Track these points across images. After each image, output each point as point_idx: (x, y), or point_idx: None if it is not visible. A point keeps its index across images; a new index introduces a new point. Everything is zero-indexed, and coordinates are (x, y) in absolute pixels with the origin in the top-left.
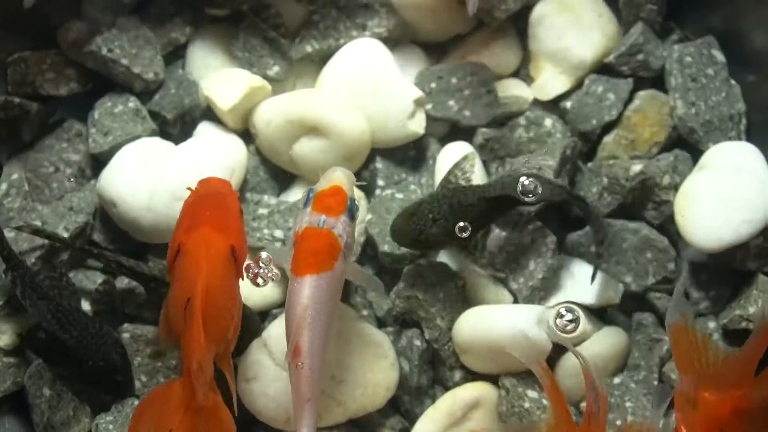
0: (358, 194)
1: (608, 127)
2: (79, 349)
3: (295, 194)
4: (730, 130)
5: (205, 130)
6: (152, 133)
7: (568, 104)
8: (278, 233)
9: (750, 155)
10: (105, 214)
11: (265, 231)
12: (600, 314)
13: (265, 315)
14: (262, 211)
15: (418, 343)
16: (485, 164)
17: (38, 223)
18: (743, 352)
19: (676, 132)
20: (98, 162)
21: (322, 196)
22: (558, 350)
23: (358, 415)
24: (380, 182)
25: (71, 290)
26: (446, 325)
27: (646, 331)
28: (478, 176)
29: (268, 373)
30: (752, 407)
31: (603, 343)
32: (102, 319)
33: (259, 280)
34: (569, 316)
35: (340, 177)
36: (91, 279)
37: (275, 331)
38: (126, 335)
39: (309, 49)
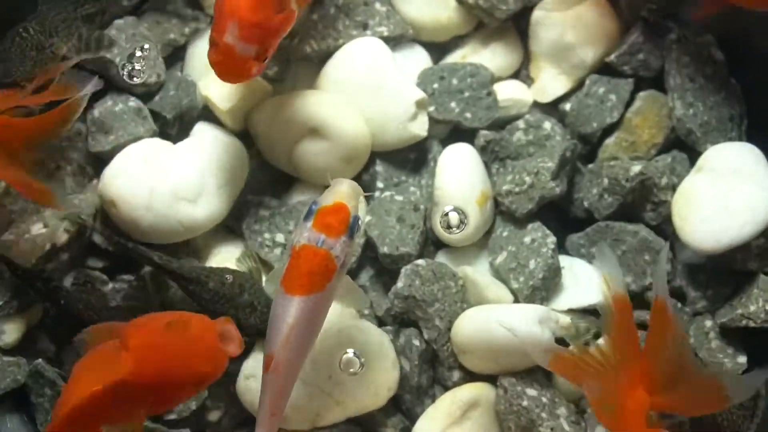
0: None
1: (609, 129)
2: None
3: (295, 196)
4: (729, 131)
5: (202, 130)
6: (153, 134)
7: (567, 106)
8: (279, 237)
9: (749, 156)
10: (105, 214)
11: (266, 235)
12: (596, 312)
13: None
14: (264, 213)
15: (416, 342)
16: (486, 166)
17: (41, 225)
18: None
19: (674, 133)
20: (99, 161)
21: (324, 213)
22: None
23: (359, 414)
24: (380, 184)
25: (98, 294)
26: (445, 326)
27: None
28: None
29: None
30: (656, 376)
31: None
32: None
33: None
34: (456, 219)
35: (345, 192)
36: (92, 276)
37: None
38: None
39: (308, 49)
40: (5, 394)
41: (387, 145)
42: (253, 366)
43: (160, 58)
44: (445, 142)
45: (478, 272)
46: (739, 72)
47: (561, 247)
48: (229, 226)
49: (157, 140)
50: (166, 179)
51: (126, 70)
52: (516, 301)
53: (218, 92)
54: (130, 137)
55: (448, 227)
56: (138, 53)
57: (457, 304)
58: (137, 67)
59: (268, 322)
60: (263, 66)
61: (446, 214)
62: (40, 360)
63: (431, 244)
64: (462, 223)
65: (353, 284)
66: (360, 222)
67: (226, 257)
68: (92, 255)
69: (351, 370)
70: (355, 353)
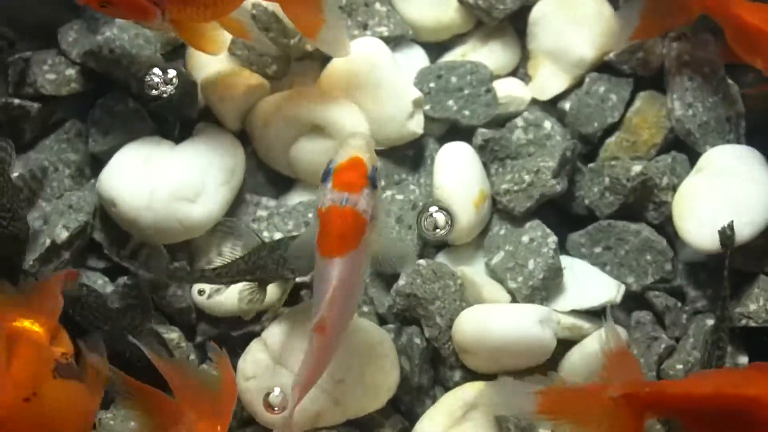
0: None
1: (610, 129)
2: (113, 342)
3: (295, 197)
4: (728, 132)
5: (203, 129)
6: (152, 133)
7: (567, 105)
8: (278, 236)
9: (748, 157)
10: (105, 213)
11: (265, 234)
12: (599, 314)
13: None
14: (261, 213)
15: (418, 341)
16: (485, 165)
17: (41, 222)
18: None
19: (673, 134)
20: (98, 161)
21: (342, 170)
22: (563, 349)
23: (358, 415)
24: (381, 183)
25: (95, 294)
26: (446, 324)
27: (644, 329)
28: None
29: (267, 373)
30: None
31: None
32: (133, 314)
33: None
34: (442, 220)
35: (359, 144)
36: (91, 279)
37: (275, 330)
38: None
39: (309, 47)
40: None
41: (385, 142)
42: (252, 369)
43: (158, 56)
44: (443, 139)
45: (476, 272)
46: (738, 72)
47: (561, 247)
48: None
49: (157, 138)
50: (165, 179)
51: (154, 86)
52: (513, 301)
53: (219, 91)
54: (128, 136)
55: (435, 228)
56: (157, 78)
57: (456, 303)
58: (169, 74)
59: (314, 285)
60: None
61: (431, 215)
62: None
63: (432, 245)
64: (447, 224)
65: (393, 241)
66: (378, 171)
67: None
68: (92, 254)
69: (275, 409)
70: (281, 390)
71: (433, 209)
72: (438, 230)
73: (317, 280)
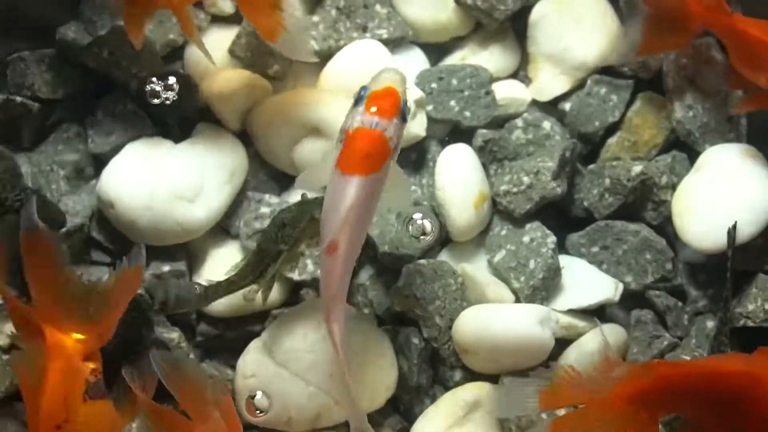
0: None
1: (611, 129)
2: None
3: (295, 195)
4: (728, 132)
5: (204, 130)
6: (152, 133)
7: (567, 106)
8: None
9: (748, 156)
10: (103, 215)
11: None
12: (599, 312)
13: (265, 316)
14: (264, 210)
15: (415, 341)
16: (484, 166)
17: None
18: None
19: (674, 134)
20: (99, 162)
21: (375, 96)
22: (559, 348)
23: None
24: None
25: None
26: (445, 324)
27: (645, 327)
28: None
29: (267, 372)
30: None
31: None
32: (140, 326)
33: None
34: (429, 226)
35: (393, 77)
36: (95, 275)
37: (275, 330)
38: None
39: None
40: (5, 397)
41: None
42: (252, 368)
43: (158, 58)
44: (444, 142)
45: (477, 270)
46: None
47: (561, 247)
48: (225, 228)
49: (157, 139)
50: (165, 179)
51: (156, 94)
52: (517, 300)
53: (220, 92)
54: (129, 136)
55: (423, 234)
56: (158, 87)
57: (456, 302)
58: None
59: (325, 204)
60: None
61: (416, 222)
62: None
63: (438, 243)
64: (433, 229)
65: (401, 174)
66: (409, 107)
67: (224, 257)
68: (93, 249)
69: (259, 412)
70: (264, 393)
71: (417, 216)
72: (424, 236)
73: (331, 201)
